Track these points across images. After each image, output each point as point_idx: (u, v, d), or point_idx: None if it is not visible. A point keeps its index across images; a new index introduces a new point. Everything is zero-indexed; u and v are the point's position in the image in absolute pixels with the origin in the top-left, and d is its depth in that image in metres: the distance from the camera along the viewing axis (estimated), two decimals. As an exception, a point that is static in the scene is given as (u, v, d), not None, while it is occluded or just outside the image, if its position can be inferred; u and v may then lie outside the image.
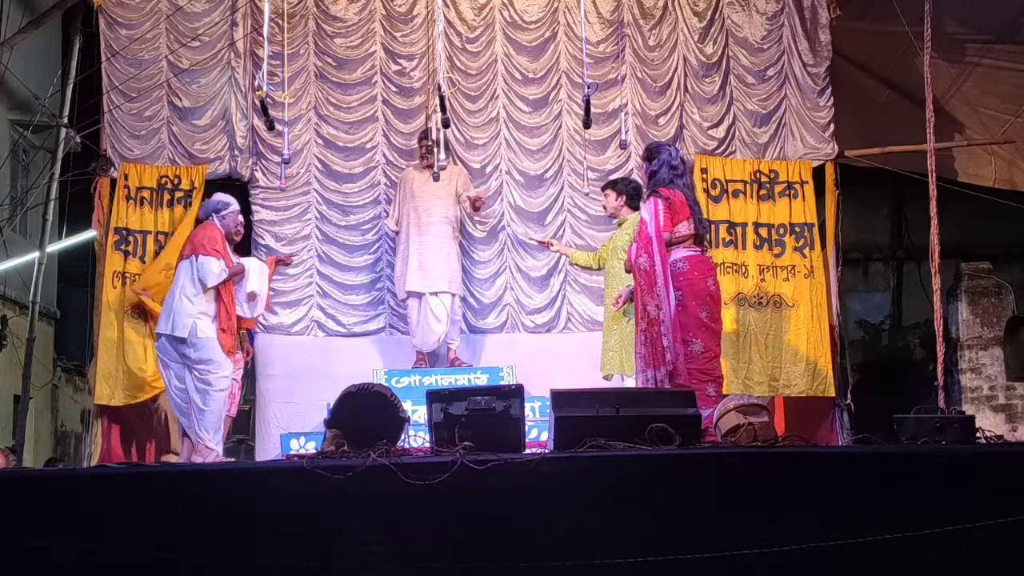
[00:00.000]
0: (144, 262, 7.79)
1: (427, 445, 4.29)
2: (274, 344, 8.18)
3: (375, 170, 8.37)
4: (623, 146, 8.08)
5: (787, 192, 8.16)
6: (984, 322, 9.87)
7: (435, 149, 7.26)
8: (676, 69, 8.40)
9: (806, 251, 8.10)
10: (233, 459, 7.05)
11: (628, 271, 5.93)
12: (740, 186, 8.16)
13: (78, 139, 8.51)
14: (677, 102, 8.38)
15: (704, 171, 8.13)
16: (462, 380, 7.48)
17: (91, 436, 7.68)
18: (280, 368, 8.12)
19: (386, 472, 3.80)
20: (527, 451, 4.37)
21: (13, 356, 10.18)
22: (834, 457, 4.33)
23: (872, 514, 3.85)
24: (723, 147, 8.34)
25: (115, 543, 3.82)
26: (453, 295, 7.88)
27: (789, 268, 8.07)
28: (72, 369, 12.23)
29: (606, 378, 6.87)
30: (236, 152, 8.17)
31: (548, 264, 8.34)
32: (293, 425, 7.65)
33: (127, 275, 7.76)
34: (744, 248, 8.08)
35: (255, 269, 7.01)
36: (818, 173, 8.27)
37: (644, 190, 6.16)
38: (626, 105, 8.30)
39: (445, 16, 8.16)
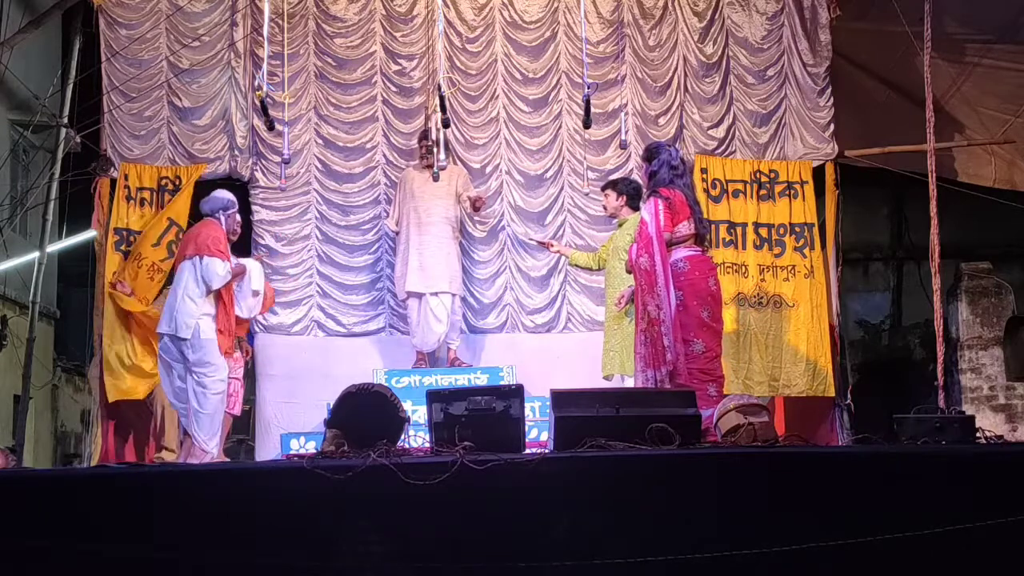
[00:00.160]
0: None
1: (427, 445, 4.29)
2: (274, 344, 8.18)
3: (375, 170, 8.37)
4: (623, 146, 8.08)
5: (787, 192, 8.16)
6: (984, 322, 9.87)
7: (435, 149, 7.26)
8: (676, 69, 8.40)
9: (806, 251, 8.10)
10: (228, 459, 7.03)
11: (629, 271, 5.94)
12: (740, 186, 8.16)
13: (78, 139, 8.51)
14: (677, 102, 8.38)
15: (704, 171, 8.14)
16: (462, 380, 7.47)
17: (91, 436, 7.68)
18: (280, 368, 8.12)
19: (386, 472, 3.80)
20: (527, 451, 4.37)
21: (13, 356, 10.18)
22: (834, 457, 4.33)
23: (872, 514, 3.85)
24: (723, 147, 8.34)
25: (115, 543, 3.82)
26: (453, 295, 7.88)
27: (789, 268, 8.07)
28: (72, 369, 12.22)
29: (606, 378, 6.87)
30: (236, 152, 8.17)
31: (548, 264, 8.34)
32: (293, 425, 7.64)
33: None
34: (744, 248, 8.09)
35: (256, 269, 7.02)
36: (818, 173, 8.27)
37: (644, 190, 6.17)
38: (626, 105, 8.30)
39: (445, 16, 8.16)
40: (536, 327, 8.34)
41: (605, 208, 7.15)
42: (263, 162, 8.24)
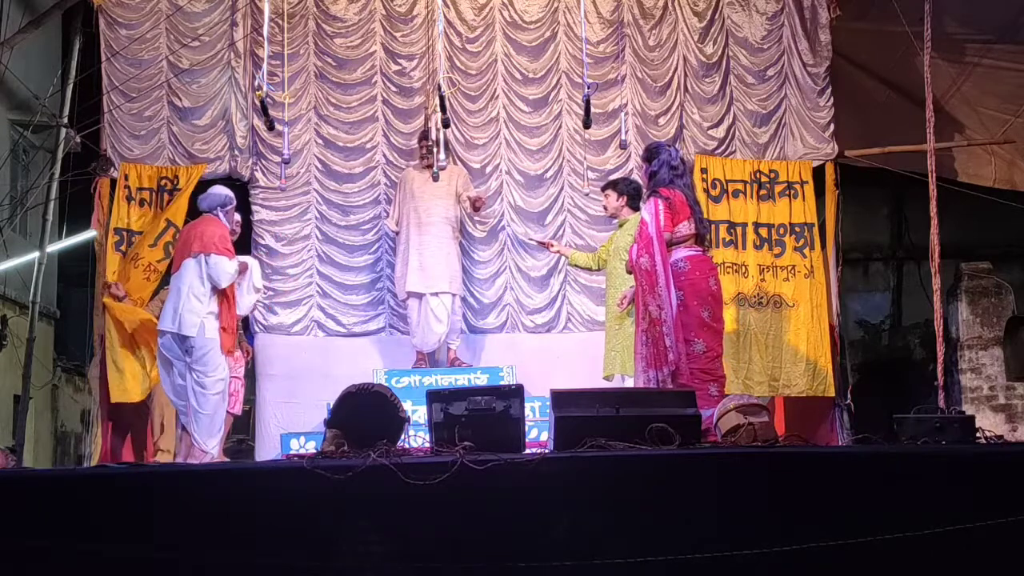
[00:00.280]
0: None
1: (427, 445, 4.29)
2: (274, 344, 8.18)
3: (375, 170, 8.37)
4: (623, 146, 8.08)
5: (787, 192, 8.16)
6: (984, 322, 9.87)
7: (435, 149, 7.26)
8: (676, 69, 8.40)
9: (806, 251, 8.10)
10: (228, 459, 7.03)
11: (629, 272, 5.94)
12: (740, 186, 8.16)
13: (78, 139, 8.50)
14: (677, 102, 8.38)
15: (704, 171, 8.13)
16: (462, 380, 7.47)
17: (91, 436, 7.68)
18: (280, 368, 8.12)
19: (386, 472, 3.79)
20: (527, 451, 4.37)
21: (13, 356, 10.18)
22: (834, 457, 4.33)
23: (872, 514, 3.85)
24: (723, 147, 8.34)
25: (115, 543, 3.82)
26: (453, 295, 7.87)
27: (789, 268, 8.07)
28: (72, 369, 12.22)
29: (607, 378, 6.87)
30: (236, 152, 8.17)
31: (548, 264, 8.34)
32: (293, 425, 7.64)
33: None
34: (744, 248, 8.08)
35: (256, 267, 7.03)
36: (818, 173, 8.27)
37: (644, 190, 6.17)
38: (626, 105, 8.30)
39: (445, 16, 8.16)
40: (536, 327, 8.34)
41: (605, 208, 7.15)
42: (263, 162, 8.24)
